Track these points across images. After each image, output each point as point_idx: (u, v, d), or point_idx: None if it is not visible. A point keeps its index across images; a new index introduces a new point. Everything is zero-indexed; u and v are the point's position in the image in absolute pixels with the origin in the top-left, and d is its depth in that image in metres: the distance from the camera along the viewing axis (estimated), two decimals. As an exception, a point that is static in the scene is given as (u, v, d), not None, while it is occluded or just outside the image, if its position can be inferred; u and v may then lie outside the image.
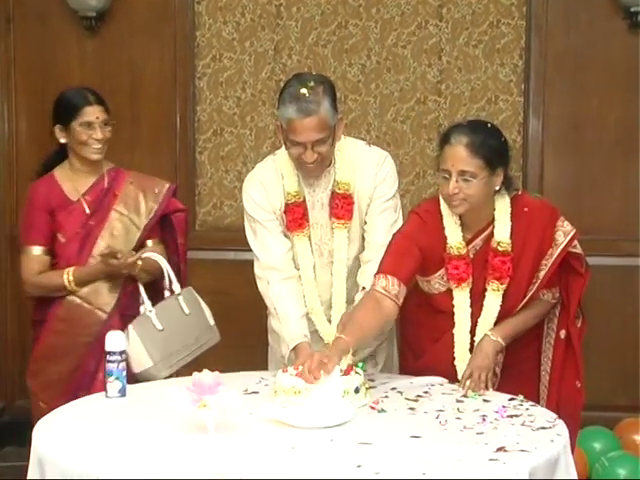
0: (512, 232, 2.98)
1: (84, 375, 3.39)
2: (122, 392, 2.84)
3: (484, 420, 2.60)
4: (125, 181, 3.49)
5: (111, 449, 2.39)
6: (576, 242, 3.02)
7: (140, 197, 3.49)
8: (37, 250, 3.41)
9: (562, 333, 3.04)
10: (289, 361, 3.07)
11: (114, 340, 2.86)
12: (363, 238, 3.24)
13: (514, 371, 3.04)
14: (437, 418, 2.62)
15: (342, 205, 3.18)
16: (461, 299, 3.01)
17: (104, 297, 3.42)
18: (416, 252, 2.99)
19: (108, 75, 4.88)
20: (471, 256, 3.01)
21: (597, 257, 4.70)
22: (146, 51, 4.91)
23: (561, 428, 2.56)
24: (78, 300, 3.40)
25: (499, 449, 2.35)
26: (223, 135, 4.95)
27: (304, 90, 2.98)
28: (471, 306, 3.01)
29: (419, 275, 3.08)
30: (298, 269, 3.22)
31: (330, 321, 3.22)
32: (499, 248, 2.97)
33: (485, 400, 2.80)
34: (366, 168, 3.20)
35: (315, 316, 3.22)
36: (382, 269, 2.96)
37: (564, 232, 2.99)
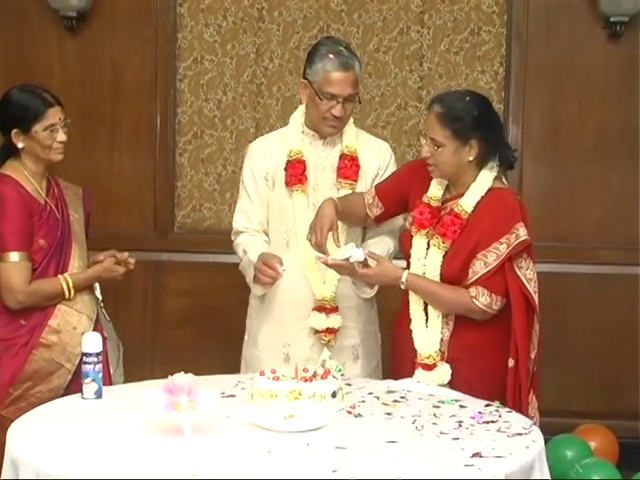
0: (476, 206, 3.04)
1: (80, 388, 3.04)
2: (98, 394, 2.82)
3: (460, 426, 2.61)
4: (62, 185, 3.39)
5: (86, 451, 2.38)
6: (530, 264, 3.01)
7: (77, 201, 3.40)
8: (23, 256, 3.18)
9: (510, 361, 3.02)
10: (254, 286, 3.16)
11: (91, 341, 2.83)
12: None
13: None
14: (413, 423, 2.62)
15: (350, 165, 3.33)
16: (418, 246, 3.11)
17: (90, 303, 3.32)
18: (405, 186, 3.21)
19: (89, 76, 4.86)
20: (442, 213, 3.09)
21: (574, 265, 4.75)
22: (127, 52, 4.89)
23: (536, 435, 2.57)
24: (68, 308, 3.26)
25: (475, 455, 2.36)
26: (203, 138, 4.94)
27: (341, 48, 3.23)
28: (426, 257, 3.08)
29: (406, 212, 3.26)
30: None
31: (325, 281, 3.27)
32: (455, 209, 3.06)
33: (461, 406, 2.81)
34: (370, 146, 3.41)
35: (309, 271, 3.26)
36: (376, 187, 3.31)
37: (517, 235, 2.98)
